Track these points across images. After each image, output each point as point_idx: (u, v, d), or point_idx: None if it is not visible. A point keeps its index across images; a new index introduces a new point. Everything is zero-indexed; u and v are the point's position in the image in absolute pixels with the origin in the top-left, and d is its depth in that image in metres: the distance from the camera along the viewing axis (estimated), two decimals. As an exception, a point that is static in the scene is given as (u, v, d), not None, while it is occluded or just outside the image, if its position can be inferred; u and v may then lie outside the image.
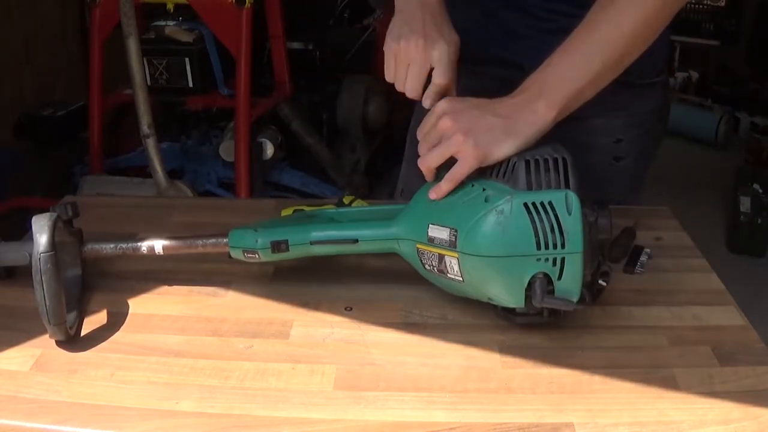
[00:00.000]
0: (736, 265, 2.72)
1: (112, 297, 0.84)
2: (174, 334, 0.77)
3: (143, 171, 2.13)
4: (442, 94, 0.83)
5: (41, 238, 0.72)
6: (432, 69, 0.83)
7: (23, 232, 0.86)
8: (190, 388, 0.69)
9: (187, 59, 2.11)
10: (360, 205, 0.96)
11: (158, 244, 0.83)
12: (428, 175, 0.80)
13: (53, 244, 0.73)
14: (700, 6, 4.24)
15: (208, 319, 0.80)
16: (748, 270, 2.68)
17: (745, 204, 2.79)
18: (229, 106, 2.14)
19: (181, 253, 0.84)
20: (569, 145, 0.76)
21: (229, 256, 0.84)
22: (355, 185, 2.58)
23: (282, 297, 0.84)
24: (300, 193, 2.39)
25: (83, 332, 0.78)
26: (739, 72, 4.16)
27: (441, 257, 0.76)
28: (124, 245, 0.84)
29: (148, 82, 2.02)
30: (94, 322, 0.80)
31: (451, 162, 0.77)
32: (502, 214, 0.71)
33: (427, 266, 0.78)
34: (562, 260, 0.71)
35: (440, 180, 0.77)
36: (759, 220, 2.78)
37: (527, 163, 0.73)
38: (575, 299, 0.72)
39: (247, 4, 2.01)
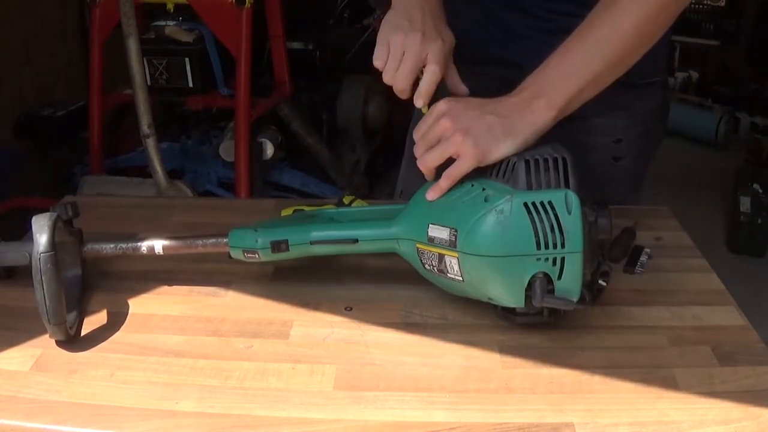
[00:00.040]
0: (736, 265, 2.72)
1: (112, 297, 0.84)
2: (174, 334, 0.77)
3: (143, 171, 2.13)
4: (432, 91, 0.82)
5: (41, 238, 0.72)
6: (424, 66, 0.82)
7: (23, 232, 0.86)
8: (190, 388, 0.69)
9: (187, 59, 2.11)
10: (360, 205, 0.96)
11: (158, 244, 0.83)
12: (428, 175, 0.80)
13: (53, 244, 0.73)
14: (700, 6, 4.24)
15: (208, 319, 0.80)
16: (748, 270, 2.68)
17: (745, 204, 2.79)
18: (229, 106, 2.14)
19: (181, 253, 0.84)
20: (569, 145, 0.76)
21: (229, 256, 0.84)
22: (355, 185, 2.58)
23: (282, 297, 0.84)
24: (300, 193, 2.39)
25: (83, 332, 0.78)
26: (739, 72, 4.16)
27: (441, 257, 0.76)
28: (124, 245, 0.84)
29: (148, 82, 2.02)
30: (94, 322, 0.80)
31: (450, 162, 0.77)
32: (502, 213, 0.71)
33: (427, 266, 0.78)
34: (562, 260, 0.71)
35: (438, 180, 0.77)
36: (759, 220, 2.78)
37: (527, 162, 0.73)
38: (575, 299, 0.72)
39: (247, 4, 2.01)
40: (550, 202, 0.71)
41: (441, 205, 0.77)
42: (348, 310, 0.82)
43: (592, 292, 0.75)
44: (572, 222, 0.70)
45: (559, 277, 0.71)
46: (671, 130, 3.37)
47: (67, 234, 0.82)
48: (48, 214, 0.76)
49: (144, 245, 0.83)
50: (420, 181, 0.82)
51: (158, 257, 0.84)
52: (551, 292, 0.72)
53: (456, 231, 0.74)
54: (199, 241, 0.84)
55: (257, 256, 0.82)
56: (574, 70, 0.78)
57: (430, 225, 0.76)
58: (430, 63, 0.81)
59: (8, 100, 2.41)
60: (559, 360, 0.73)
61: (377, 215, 0.87)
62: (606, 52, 0.78)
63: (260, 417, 0.65)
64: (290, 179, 2.41)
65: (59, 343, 0.75)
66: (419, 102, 0.82)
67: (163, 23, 2.16)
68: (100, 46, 2.13)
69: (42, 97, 2.53)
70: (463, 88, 0.85)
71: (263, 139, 2.22)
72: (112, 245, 0.84)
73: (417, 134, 0.80)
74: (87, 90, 2.18)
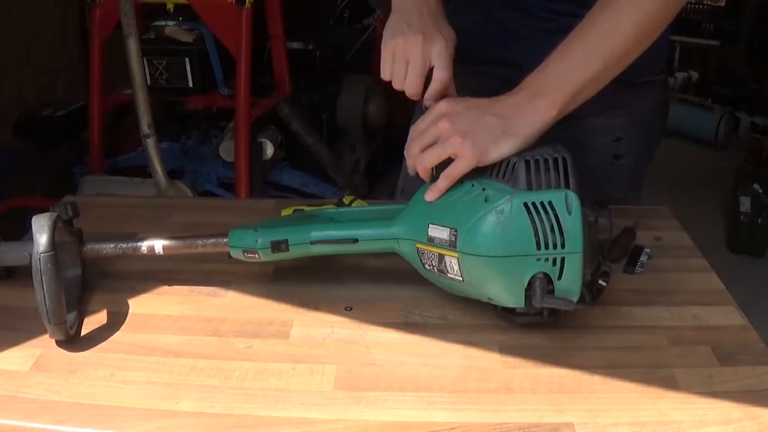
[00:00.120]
0: (736, 265, 2.72)
1: (112, 297, 0.84)
2: (174, 334, 0.77)
3: (143, 171, 2.13)
4: (443, 92, 0.83)
5: (41, 238, 0.72)
6: (431, 67, 0.83)
7: (23, 232, 0.86)
8: (190, 388, 0.69)
9: (187, 59, 2.11)
10: (360, 205, 0.96)
11: (158, 244, 0.83)
12: (425, 175, 0.80)
13: (53, 244, 0.73)
14: (700, 6, 4.24)
15: (208, 319, 0.80)
16: (748, 270, 2.68)
17: (745, 204, 2.80)
18: (229, 106, 2.15)
19: (181, 253, 0.84)
20: (569, 144, 0.76)
21: (229, 256, 0.84)
22: (355, 185, 2.58)
23: (282, 297, 0.84)
24: (300, 193, 2.39)
25: (83, 332, 0.78)
26: (739, 72, 4.16)
27: (441, 257, 0.76)
28: (124, 245, 0.84)
29: (148, 82, 2.02)
30: (94, 322, 0.80)
31: (447, 162, 0.77)
32: (502, 213, 0.71)
33: (427, 266, 0.78)
34: (562, 260, 0.71)
35: (436, 180, 0.77)
36: (759, 220, 2.78)
37: (527, 162, 0.73)
38: (575, 299, 0.72)
39: (247, 4, 2.01)
40: (550, 202, 0.71)
41: (441, 205, 0.77)
42: (348, 310, 0.82)
43: (592, 292, 0.75)
44: (572, 222, 0.70)
45: (559, 278, 0.71)
46: (671, 130, 3.37)
47: (67, 234, 0.82)
48: (48, 214, 0.76)
49: (144, 245, 0.83)
50: (421, 180, 0.82)
51: (158, 257, 0.84)
52: (551, 292, 0.72)
53: (456, 231, 0.74)
54: (199, 241, 0.84)
55: (257, 256, 0.82)
56: (573, 69, 0.78)
57: (430, 225, 0.76)
58: (437, 69, 0.82)
59: (8, 100, 2.41)
60: (559, 360, 0.73)
61: (377, 215, 0.87)
62: (605, 50, 0.78)
63: (260, 417, 0.65)
64: (290, 179, 2.41)
65: (59, 343, 0.75)
66: (429, 104, 0.82)
67: (163, 23, 2.16)
68: (100, 46, 2.13)
69: (42, 97, 2.53)
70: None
71: (263, 139, 2.22)
72: (112, 245, 0.84)
73: (415, 130, 0.80)
74: (87, 90, 2.18)
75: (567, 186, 0.72)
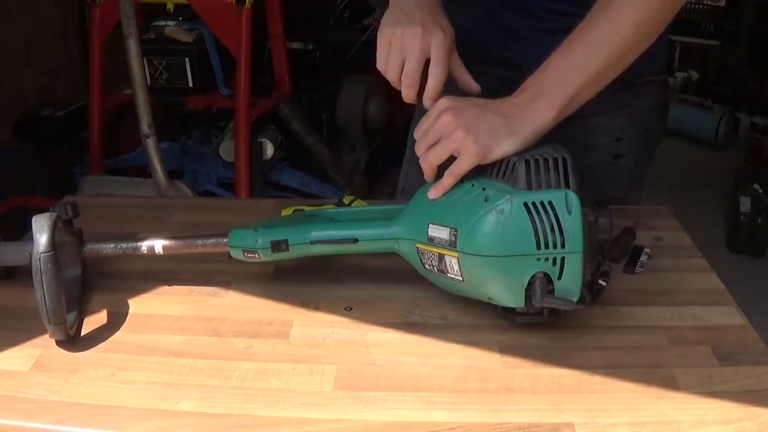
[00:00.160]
0: (736, 265, 2.72)
1: (112, 297, 0.84)
2: (174, 334, 0.77)
3: (143, 171, 2.13)
4: (440, 89, 0.82)
5: (41, 238, 0.72)
6: (428, 59, 0.82)
7: (23, 232, 0.86)
8: (190, 388, 0.69)
9: (187, 59, 2.11)
10: (360, 205, 0.96)
11: (158, 244, 0.83)
12: (429, 174, 0.79)
13: (53, 244, 0.73)
14: (700, 6, 4.24)
15: (208, 319, 0.80)
16: (748, 270, 2.68)
17: (745, 204, 2.79)
18: (229, 106, 2.15)
19: (181, 253, 0.84)
20: (569, 144, 0.76)
21: (229, 256, 0.84)
22: (355, 185, 2.58)
23: (282, 297, 0.84)
24: (300, 193, 2.39)
25: (83, 332, 0.78)
26: (739, 72, 4.16)
27: (441, 257, 0.76)
28: (124, 245, 0.84)
29: (148, 82, 2.02)
30: (94, 322, 0.80)
31: (451, 161, 0.77)
32: (502, 213, 0.71)
33: (427, 266, 0.78)
34: (562, 260, 0.71)
35: (440, 178, 0.77)
36: (759, 220, 2.78)
37: (527, 162, 0.73)
38: (575, 299, 0.72)
39: (247, 4, 2.01)
40: (550, 202, 0.71)
41: (441, 205, 0.77)
42: (348, 310, 0.82)
43: (592, 292, 0.75)
44: (572, 222, 0.70)
45: (559, 277, 0.71)
46: (671, 130, 3.37)
47: (67, 234, 0.82)
48: (48, 214, 0.76)
49: (144, 245, 0.83)
50: (421, 180, 0.82)
51: (158, 257, 0.84)
52: (551, 292, 0.72)
53: (456, 231, 0.74)
54: (199, 241, 0.84)
55: (257, 256, 0.82)
56: (573, 71, 0.78)
57: (430, 225, 0.76)
58: (434, 64, 0.81)
59: (8, 100, 2.41)
60: (559, 360, 0.73)
61: (377, 215, 0.87)
62: (605, 51, 0.78)
63: (260, 417, 0.65)
64: (290, 179, 2.41)
65: (59, 343, 0.75)
66: (427, 104, 0.82)
67: (163, 23, 2.16)
68: (100, 46, 2.13)
69: (42, 97, 2.53)
70: (475, 86, 0.85)
71: (263, 139, 2.22)
72: (112, 245, 0.84)
73: (418, 132, 0.80)
74: (87, 90, 2.18)
75: (567, 186, 0.72)
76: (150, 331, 0.78)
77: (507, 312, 0.76)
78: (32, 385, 0.69)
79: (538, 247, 0.70)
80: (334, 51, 2.61)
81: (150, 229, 0.91)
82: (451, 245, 0.74)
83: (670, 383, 0.70)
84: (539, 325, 0.77)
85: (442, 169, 0.78)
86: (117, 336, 0.77)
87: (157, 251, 0.83)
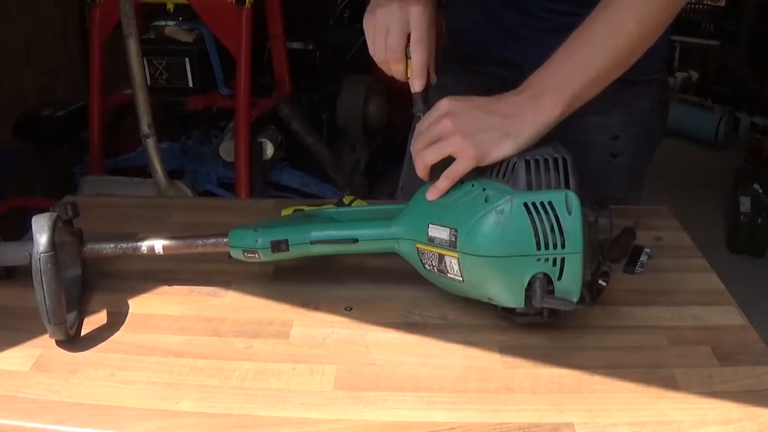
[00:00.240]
0: (736, 265, 2.72)
1: (112, 297, 0.84)
2: (174, 334, 0.77)
3: (143, 171, 2.13)
4: (424, 67, 0.82)
5: (41, 238, 0.72)
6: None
7: (23, 232, 0.86)
8: (190, 388, 0.69)
9: (187, 59, 2.11)
10: (360, 205, 0.96)
11: (158, 244, 0.83)
12: (423, 172, 0.79)
13: (53, 244, 0.73)
14: (700, 6, 4.24)
15: (208, 319, 0.80)
16: (748, 270, 2.68)
17: (745, 204, 2.79)
18: (229, 106, 2.15)
19: (181, 253, 0.84)
20: (567, 143, 0.76)
21: (229, 256, 0.84)
22: (355, 185, 2.58)
23: (282, 297, 0.84)
24: (300, 193, 2.39)
25: (83, 332, 0.78)
26: (739, 72, 4.16)
27: (441, 257, 0.76)
28: (124, 245, 0.84)
29: (148, 82, 2.02)
30: (94, 322, 0.80)
31: (448, 161, 0.77)
32: (502, 214, 0.71)
33: (427, 266, 0.78)
34: (562, 260, 0.71)
35: (436, 180, 0.77)
36: (759, 220, 2.78)
37: (527, 163, 0.73)
38: (575, 299, 0.72)
39: (247, 4, 2.01)
40: (550, 203, 0.71)
41: (441, 205, 0.77)
42: (348, 310, 0.82)
43: (592, 292, 0.75)
44: (572, 222, 0.70)
45: (559, 278, 0.71)
46: (671, 130, 3.37)
47: (67, 234, 0.82)
48: (48, 214, 0.76)
49: (144, 245, 0.83)
50: (421, 179, 0.81)
51: (158, 257, 0.84)
52: (551, 292, 0.71)
53: (456, 231, 0.74)
54: (199, 241, 0.84)
55: (257, 256, 0.82)
56: (577, 69, 0.78)
57: (430, 225, 0.76)
58: (414, 41, 0.81)
59: (8, 100, 2.41)
60: (559, 360, 0.73)
61: (377, 215, 0.87)
62: (609, 49, 0.78)
63: (260, 417, 0.65)
64: (290, 179, 2.41)
65: (59, 343, 0.75)
66: (416, 86, 0.82)
67: (163, 23, 2.16)
68: (100, 46, 2.13)
69: (42, 97, 2.53)
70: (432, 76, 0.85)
71: (263, 139, 2.23)
72: (112, 245, 0.84)
73: (419, 128, 0.80)
74: (87, 90, 2.18)
75: (567, 186, 0.72)
76: (150, 331, 0.78)
77: (507, 312, 0.76)
78: (32, 385, 0.69)
79: (538, 247, 0.70)
80: (334, 51, 2.61)
81: (150, 229, 0.91)
82: (451, 245, 0.74)
83: (670, 383, 0.70)
84: (539, 325, 0.77)
85: (435, 168, 0.78)
86: (117, 336, 0.77)
87: (157, 251, 0.83)
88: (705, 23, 4.24)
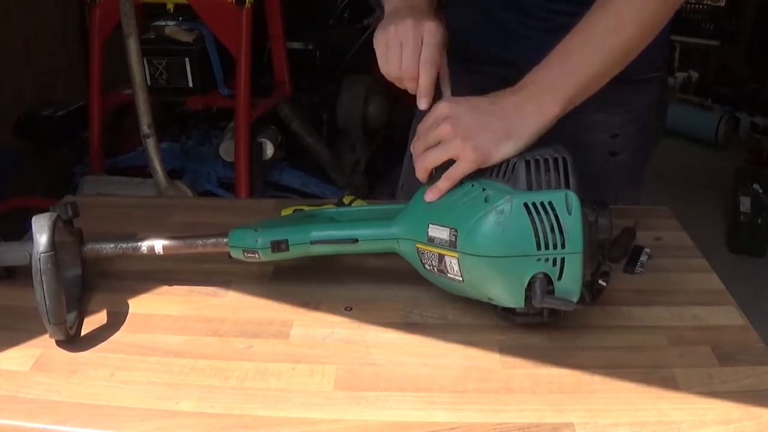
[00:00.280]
0: (736, 265, 2.72)
1: (112, 297, 0.84)
2: (174, 334, 0.77)
3: (143, 171, 2.13)
4: (430, 89, 0.82)
5: (41, 238, 0.72)
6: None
7: (23, 232, 0.86)
8: (190, 388, 0.69)
9: (187, 59, 2.11)
10: (360, 205, 0.96)
11: (158, 244, 0.83)
12: (423, 176, 0.79)
13: (53, 244, 0.73)
14: (700, 6, 4.24)
15: (208, 319, 0.80)
16: (748, 270, 2.68)
17: (745, 204, 2.79)
18: (229, 106, 2.15)
19: (181, 253, 0.84)
20: (566, 142, 0.76)
21: (229, 256, 0.84)
22: (355, 185, 2.58)
23: (282, 297, 0.84)
24: (300, 193, 2.39)
25: (83, 332, 0.78)
26: (739, 72, 4.16)
27: (441, 257, 0.76)
28: (124, 245, 0.84)
29: (148, 82, 2.02)
30: (94, 322, 0.80)
31: (448, 163, 0.77)
32: (502, 214, 0.71)
33: (427, 266, 0.78)
34: (562, 260, 0.71)
35: (436, 181, 0.77)
36: (759, 220, 2.78)
37: (527, 163, 0.73)
38: (575, 299, 0.72)
39: (247, 4, 2.01)
40: (550, 203, 0.71)
41: (441, 205, 0.77)
42: (348, 310, 0.82)
43: (592, 292, 0.75)
44: (572, 222, 0.70)
45: (559, 278, 0.71)
46: (671, 130, 3.38)
47: (67, 234, 0.82)
48: (48, 214, 0.76)
49: (144, 245, 0.83)
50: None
51: (158, 257, 0.84)
52: (551, 292, 0.71)
53: (456, 231, 0.74)
54: (199, 241, 0.84)
55: (257, 256, 0.82)
56: (576, 67, 0.78)
57: (430, 225, 0.76)
58: (423, 61, 0.81)
59: (8, 100, 2.41)
60: (559, 360, 0.73)
61: (377, 215, 0.87)
62: (607, 48, 0.78)
63: (260, 417, 0.65)
64: (290, 179, 2.41)
65: (59, 343, 0.75)
66: (423, 104, 0.82)
67: (163, 23, 2.16)
68: (100, 46, 2.13)
69: (42, 97, 2.53)
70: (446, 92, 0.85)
71: (263, 139, 2.23)
72: (112, 245, 0.84)
73: (420, 129, 0.80)
74: (87, 90, 2.18)
75: (567, 186, 0.72)
76: (150, 331, 0.78)
77: (507, 312, 0.76)
78: (32, 385, 0.69)
79: (538, 247, 0.70)
80: (334, 51, 2.61)
81: (150, 229, 0.91)
82: (451, 245, 0.74)
83: (670, 383, 0.70)
84: (539, 325, 0.77)
85: (435, 171, 0.78)
86: (117, 336, 0.77)
87: (157, 251, 0.83)
88: (705, 23, 4.24)
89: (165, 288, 0.86)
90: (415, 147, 0.80)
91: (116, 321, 0.80)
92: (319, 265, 0.89)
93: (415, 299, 0.83)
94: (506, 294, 0.73)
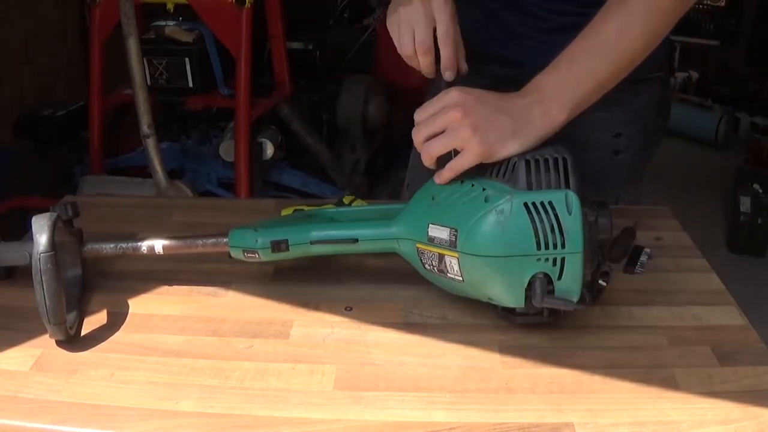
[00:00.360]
0: (736, 265, 2.72)
1: (112, 297, 0.84)
2: (174, 334, 0.77)
3: (143, 171, 2.13)
4: (454, 58, 0.82)
5: (41, 238, 0.72)
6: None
7: (23, 232, 0.86)
8: (190, 388, 0.69)
9: (187, 59, 2.11)
10: (360, 205, 0.96)
11: (158, 244, 0.83)
12: (429, 162, 0.79)
13: (53, 244, 0.73)
14: (700, 6, 4.23)
15: (208, 319, 0.80)
16: (748, 270, 2.68)
17: (745, 204, 2.80)
18: (229, 106, 2.15)
19: (181, 253, 0.84)
20: (568, 140, 0.76)
21: (229, 256, 0.84)
22: (355, 185, 2.58)
23: (282, 297, 0.84)
24: (300, 193, 2.39)
25: (83, 332, 0.78)
26: (739, 72, 4.16)
27: (441, 257, 0.76)
28: (124, 245, 0.84)
29: (148, 82, 2.02)
30: (94, 322, 0.80)
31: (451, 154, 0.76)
32: (502, 213, 0.71)
33: (427, 266, 0.78)
34: (562, 260, 0.71)
35: (441, 169, 0.77)
36: (759, 220, 2.78)
37: (527, 162, 0.73)
38: (575, 299, 0.72)
39: (247, 4, 2.01)
40: (550, 203, 0.71)
41: (441, 205, 0.77)
42: (348, 310, 0.82)
43: (592, 292, 0.75)
44: (572, 222, 0.70)
45: (559, 278, 0.71)
46: (671, 130, 3.36)
47: (67, 234, 0.82)
48: (48, 214, 0.76)
49: (144, 245, 0.83)
50: (428, 176, 0.81)
51: (158, 257, 0.84)
52: (551, 292, 0.71)
53: (456, 231, 0.74)
54: (199, 241, 0.84)
55: (257, 256, 0.82)
56: (583, 74, 0.78)
57: (430, 225, 0.76)
58: (441, 33, 0.82)
59: (8, 100, 2.41)
60: (559, 360, 0.73)
61: (377, 215, 0.87)
62: (615, 55, 0.78)
63: (260, 417, 0.65)
64: (290, 179, 2.41)
65: (59, 343, 0.75)
66: (448, 76, 0.83)
67: (163, 23, 2.16)
68: (100, 46, 2.13)
69: (42, 97, 2.53)
70: (463, 66, 0.86)
71: (263, 139, 2.23)
72: (112, 245, 0.84)
73: (420, 116, 0.79)
74: (87, 90, 2.18)
75: (567, 186, 0.72)
76: (150, 331, 0.78)
77: (507, 312, 0.76)
78: (32, 385, 0.69)
79: (538, 247, 0.70)
80: (334, 51, 2.61)
81: (150, 229, 0.91)
82: (451, 245, 0.74)
83: (670, 383, 0.70)
84: (539, 325, 0.77)
85: (441, 159, 0.78)
86: (117, 336, 0.77)
87: (157, 251, 0.83)
88: (705, 23, 4.24)
89: (165, 288, 0.86)
90: (418, 134, 0.79)
91: (116, 321, 0.80)
92: (319, 265, 0.89)
93: (415, 299, 0.83)
94: (506, 294, 0.73)
